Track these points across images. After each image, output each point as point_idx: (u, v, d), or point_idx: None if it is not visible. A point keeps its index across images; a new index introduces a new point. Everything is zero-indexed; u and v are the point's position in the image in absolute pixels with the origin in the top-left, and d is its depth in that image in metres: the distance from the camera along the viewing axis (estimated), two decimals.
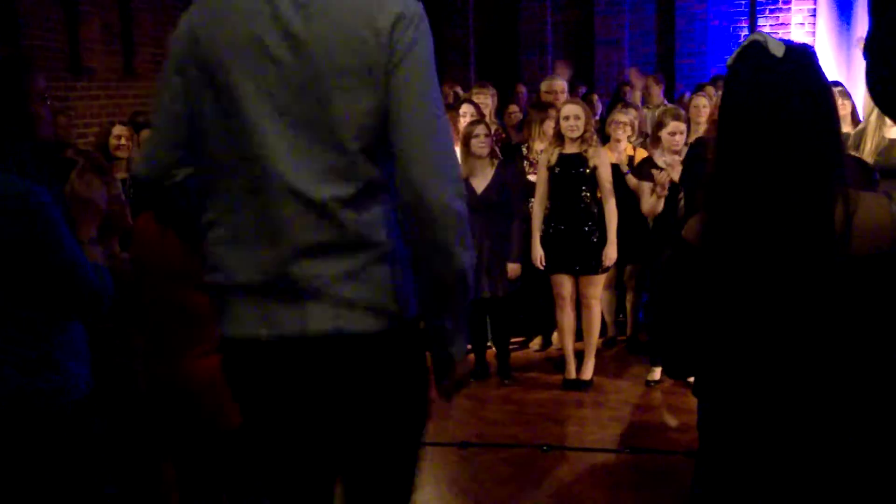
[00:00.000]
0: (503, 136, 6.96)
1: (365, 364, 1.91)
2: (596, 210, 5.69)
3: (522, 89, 8.56)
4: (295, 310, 1.89)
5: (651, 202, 5.66)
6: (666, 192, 5.52)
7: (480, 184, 5.84)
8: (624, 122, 6.41)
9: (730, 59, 1.87)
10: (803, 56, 1.79)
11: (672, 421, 5.28)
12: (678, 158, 5.56)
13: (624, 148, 6.38)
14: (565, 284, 5.85)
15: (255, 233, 1.92)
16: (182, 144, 2.00)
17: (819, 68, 1.79)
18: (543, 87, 7.14)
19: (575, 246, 5.74)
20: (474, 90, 7.24)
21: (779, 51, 1.79)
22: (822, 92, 1.77)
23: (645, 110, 7.78)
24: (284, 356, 1.93)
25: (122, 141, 5.92)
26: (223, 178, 1.94)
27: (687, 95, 7.56)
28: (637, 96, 8.32)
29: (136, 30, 9.36)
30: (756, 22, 10.42)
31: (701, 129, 6.57)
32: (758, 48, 1.83)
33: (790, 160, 1.71)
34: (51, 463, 2.46)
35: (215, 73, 1.90)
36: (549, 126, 6.19)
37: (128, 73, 9.28)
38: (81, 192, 2.64)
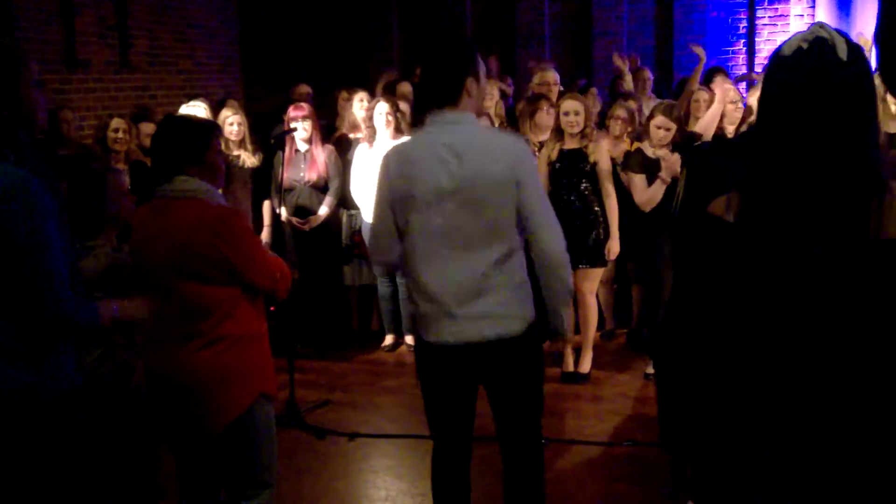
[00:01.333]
0: (506, 127, 6.94)
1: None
2: (597, 205, 5.66)
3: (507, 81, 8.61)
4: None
5: (649, 193, 5.60)
6: (669, 181, 5.47)
7: None
8: (623, 118, 6.39)
9: (787, 49, 1.85)
10: (863, 60, 1.82)
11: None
12: (671, 154, 5.54)
13: (623, 142, 6.35)
14: None
15: None
16: None
17: (871, 68, 1.84)
18: (536, 79, 7.13)
19: (575, 240, 5.71)
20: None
21: (844, 53, 1.80)
22: (872, 92, 1.82)
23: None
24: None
25: (120, 134, 5.90)
26: None
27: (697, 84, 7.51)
28: (629, 81, 8.25)
29: (132, 22, 9.32)
30: (755, 13, 10.39)
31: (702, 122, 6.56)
32: (824, 46, 1.82)
33: (839, 151, 1.77)
34: (37, 454, 2.44)
35: None
36: (540, 118, 6.18)
37: (123, 65, 9.24)
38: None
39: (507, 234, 3.08)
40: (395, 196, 3.12)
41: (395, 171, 3.14)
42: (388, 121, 6.30)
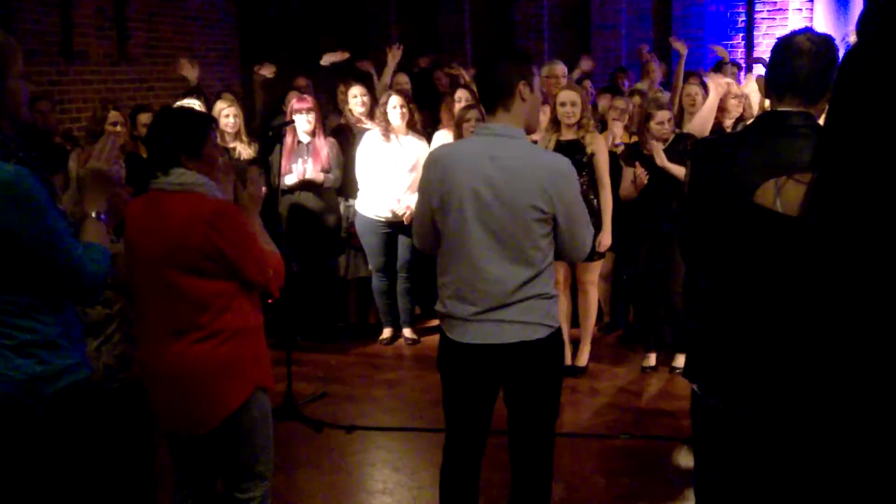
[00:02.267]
0: None
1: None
2: (593, 197, 5.67)
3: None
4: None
5: (629, 189, 5.74)
6: (644, 183, 5.62)
7: None
8: (621, 109, 6.41)
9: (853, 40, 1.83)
10: None
11: (667, 406, 5.28)
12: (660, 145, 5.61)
13: (620, 135, 6.35)
14: (560, 271, 5.84)
15: None
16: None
17: None
18: (544, 71, 7.12)
19: None
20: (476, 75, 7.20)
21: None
22: None
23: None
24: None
25: (119, 128, 5.88)
26: None
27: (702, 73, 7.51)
28: (654, 72, 8.28)
29: (130, 13, 9.29)
30: (753, 7, 10.38)
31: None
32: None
33: None
34: (46, 445, 2.45)
35: None
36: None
37: (121, 57, 9.22)
38: (100, 163, 2.61)
39: (538, 255, 3.15)
40: (433, 199, 3.22)
41: (437, 176, 3.21)
42: (402, 114, 6.31)
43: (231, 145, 6.46)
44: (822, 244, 1.80)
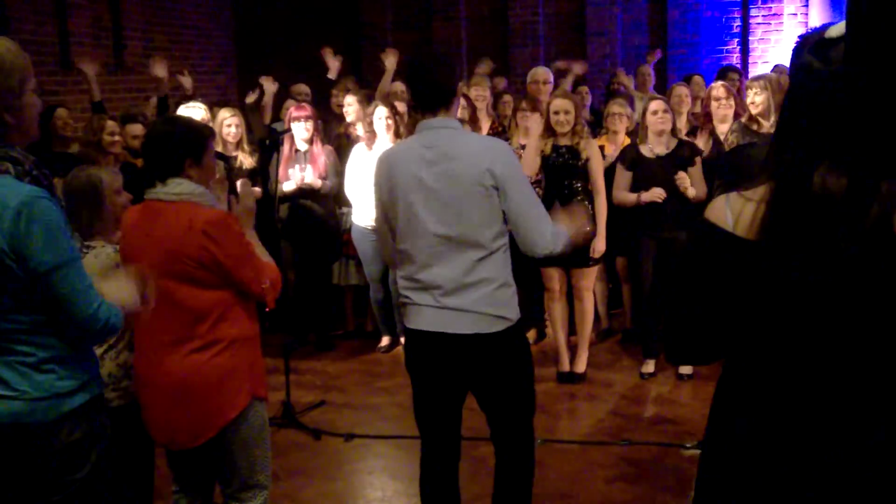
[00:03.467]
0: (499, 128, 6.94)
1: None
2: (588, 202, 5.67)
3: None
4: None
5: (621, 195, 5.81)
6: (644, 202, 5.70)
7: None
8: (621, 114, 6.42)
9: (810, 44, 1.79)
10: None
11: (666, 413, 5.27)
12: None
13: (622, 141, 6.37)
14: (555, 277, 5.85)
15: None
16: None
17: None
18: (528, 77, 7.21)
19: None
20: (472, 82, 7.22)
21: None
22: None
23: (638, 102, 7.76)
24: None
25: (116, 137, 5.87)
26: None
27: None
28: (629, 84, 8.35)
29: (126, 23, 9.30)
30: (749, 12, 10.39)
31: (682, 119, 6.58)
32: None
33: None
34: (66, 461, 2.47)
35: None
36: (521, 120, 6.25)
37: (118, 66, 9.23)
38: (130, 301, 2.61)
39: (486, 233, 3.23)
40: (383, 197, 3.37)
41: (383, 173, 3.37)
42: (387, 125, 6.32)
43: (233, 154, 6.46)
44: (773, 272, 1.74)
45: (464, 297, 3.23)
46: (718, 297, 1.83)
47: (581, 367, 5.93)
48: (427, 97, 3.32)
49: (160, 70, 7.28)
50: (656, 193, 5.65)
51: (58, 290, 2.33)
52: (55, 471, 2.45)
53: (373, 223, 6.35)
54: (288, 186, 6.37)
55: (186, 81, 7.38)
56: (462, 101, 6.55)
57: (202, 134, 3.12)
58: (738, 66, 10.05)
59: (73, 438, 2.46)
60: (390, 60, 7.69)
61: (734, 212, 1.80)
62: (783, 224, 1.72)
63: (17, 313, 2.36)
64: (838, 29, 1.70)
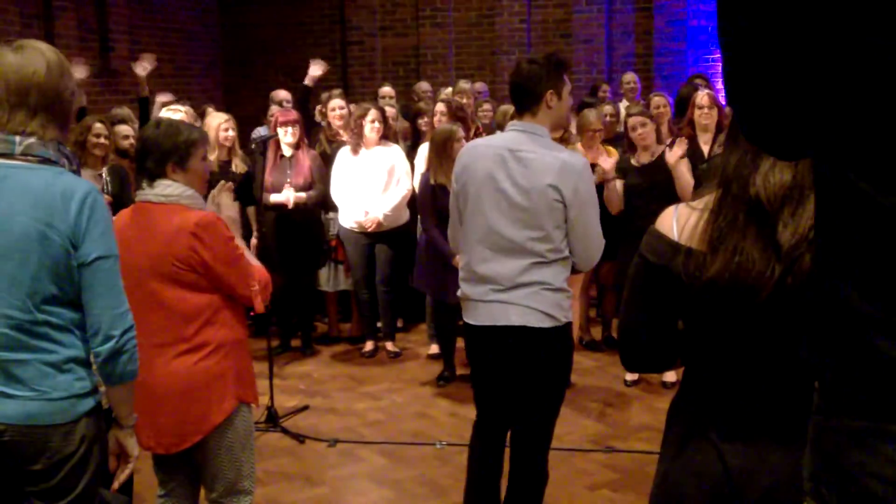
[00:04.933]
0: (483, 134, 6.96)
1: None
2: None
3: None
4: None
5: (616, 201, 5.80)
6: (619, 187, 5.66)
7: None
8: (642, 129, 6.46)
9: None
10: None
11: (649, 420, 5.28)
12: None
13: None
14: None
15: None
16: None
17: None
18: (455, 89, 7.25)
19: None
20: (457, 89, 7.24)
21: None
22: None
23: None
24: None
25: (102, 139, 5.83)
26: None
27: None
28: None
29: (113, 25, 9.27)
30: None
31: (663, 128, 6.61)
32: None
33: None
34: (79, 465, 2.48)
35: None
36: (607, 162, 6.23)
37: (104, 69, 9.19)
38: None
39: (547, 242, 3.37)
40: (457, 185, 3.54)
41: (463, 163, 3.54)
42: (378, 129, 6.32)
43: (226, 159, 6.41)
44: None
45: (515, 293, 3.37)
46: (664, 305, 1.85)
47: None
48: (515, 99, 3.48)
49: (140, 68, 7.21)
50: (609, 162, 5.65)
51: (98, 279, 2.40)
52: (66, 474, 2.45)
53: (356, 224, 6.40)
54: (274, 198, 6.34)
55: (141, 68, 7.28)
56: (442, 108, 6.57)
57: (188, 138, 3.11)
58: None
59: (86, 441, 2.47)
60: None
61: (680, 221, 1.84)
62: (724, 230, 1.74)
63: (57, 305, 2.40)
64: None
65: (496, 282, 3.40)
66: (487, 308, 3.44)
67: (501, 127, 5.90)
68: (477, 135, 6.89)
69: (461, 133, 5.76)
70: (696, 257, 1.77)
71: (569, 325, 3.49)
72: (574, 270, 3.54)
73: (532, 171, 3.33)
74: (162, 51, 10.28)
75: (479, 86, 8.56)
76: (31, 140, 2.36)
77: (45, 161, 2.38)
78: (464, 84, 7.55)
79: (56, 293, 2.39)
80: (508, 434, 3.69)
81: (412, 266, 6.44)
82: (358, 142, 6.36)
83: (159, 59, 10.15)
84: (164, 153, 3.04)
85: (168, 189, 3.03)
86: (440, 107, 6.62)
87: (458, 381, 6.04)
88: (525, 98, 3.40)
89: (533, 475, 3.60)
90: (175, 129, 3.13)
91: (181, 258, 2.97)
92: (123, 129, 6.19)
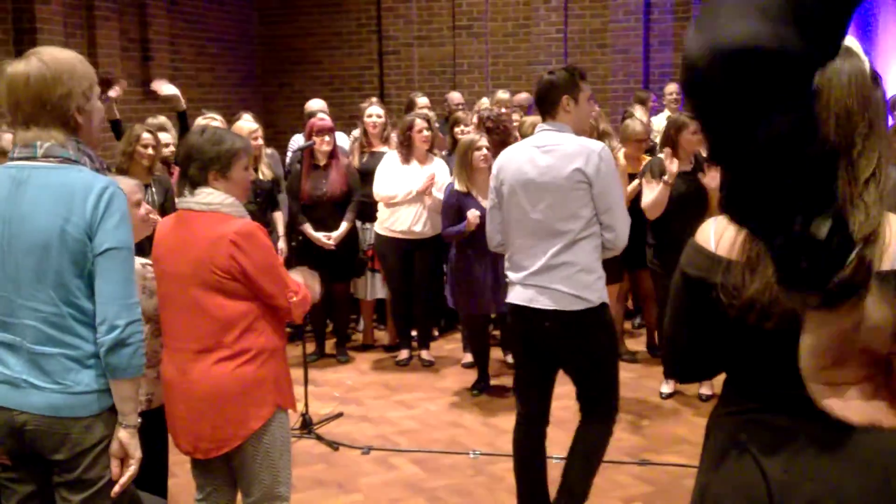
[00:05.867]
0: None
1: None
2: None
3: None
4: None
5: (652, 197, 5.60)
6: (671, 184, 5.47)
7: (488, 204, 5.77)
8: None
9: None
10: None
11: (685, 433, 5.24)
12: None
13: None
14: None
15: None
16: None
17: None
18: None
19: None
20: (495, 99, 7.25)
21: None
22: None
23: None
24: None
25: (150, 150, 5.87)
26: None
27: None
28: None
29: (153, 35, 9.39)
30: None
31: None
32: None
33: None
34: (95, 461, 2.55)
35: None
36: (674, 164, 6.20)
37: (144, 78, 9.32)
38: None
39: (575, 223, 3.69)
40: (496, 182, 3.91)
41: (500, 165, 3.94)
42: (426, 138, 6.38)
43: (253, 166, 6.46)
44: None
45: (548, 277, 3.70)
46: (705, 319, 1.84)
47: None
48: (538, 107, 3.92)
49: (167, 88, 7.26)
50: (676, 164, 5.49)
51: (108, 269, 2.47)
52: (87, 466, 2.52)
53: (396, 232, 6.41)
54: (316, 236, 6.41)
55: (168, 91, 7.35)
56: (475, 120, 6.60)
57: (231, 147, 3.14)
58: None
59: (105, 436, 2.53)
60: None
61: (717, 233, 1.83)
62: (762, 251, 1.71)
63: (81, 299, 2.48)
64: None
65: (531, 267, 3.74)
66: (524, 290, 3.77)
67: (527, 136, 5.96)
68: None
69: (482, 142, 5.79)
70: (735, 273, 1.76)
71: (603, 305, 3.75)
72: (605, 249, 3.78)
73: (557, 159, 3.71)
74: (201, 61, 10.42)
75: (524, 97, 8.54)
76: (50, 143, 2.48)
77: (66, 161, 2.49)
78: (502, 94, 7.56)
79: (80, 287, 2.48)
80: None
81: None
82: (410, 152, 6.38)
83: (198, 68, 10.32)
84: (207, 161, 3.08)
85: (209, 197, 3.07)
86: (472, 119, 6.70)
87: (492, 390, 6.04)
88: (545, 105, 3.82)
89: (594, 434, 3.92)
90: (219, 137, 3.16)
91: (221, 266, 3.00)
92: (164, 137, 6.24)
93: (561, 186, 3.68)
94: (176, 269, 3.08)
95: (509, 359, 6.26)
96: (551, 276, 3.69)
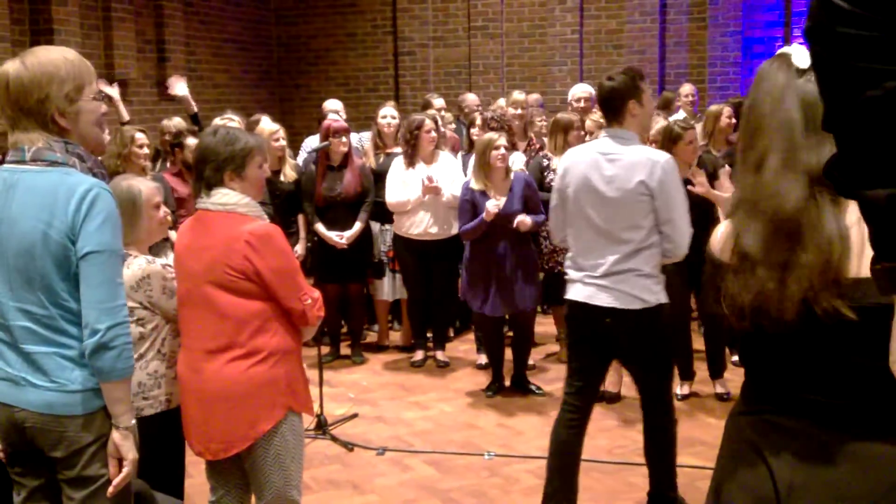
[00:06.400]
0: (537, 146, 6.96)
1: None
2: None
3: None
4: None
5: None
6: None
7: (503, 202, 5.77)
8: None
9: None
10: None
11: (700, 434, 5.22)
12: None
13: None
14: None
15: None
16: None
17: None
18: (570, 95, 7.20)
19: None
20: (510, 100, 7.24)
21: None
22: None
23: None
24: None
25: (145, 149, 5.89)
26: None
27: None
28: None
29: (169, 36, 9.42)
30: (791, 32, 10.32)
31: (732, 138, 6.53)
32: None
33: None
34: (92, 458, 2.56)
35: None
36: (573, 137, 6.19)
37: (160, 78, 9.35)
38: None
39: (638, 232, 3.80)
40: (560, 184, 4.01)
41: (564, 167, 4.03)
42: (432, 139, 6.37)
43: (277, 168, 6.44)
44: None
45: (609, 279, 3.83)
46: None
47: (614, 386, 5.88)
48: (603, 112, 3.98)
49: (181, 88, 7.28)
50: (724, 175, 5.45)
51: (90, 273, 2.46)
52: (85, 464, 2.53)
53: (412, 234, 6.40)
54: (322, 229, 6.41)
55: (181, 90, 7.35)
56: (479, 121, 6.61)
57: (245, 146, 3.14)
58: None
59: (101, 434, 2.54)
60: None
61: (723, 237, 1.89)
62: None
63: (69, 300, 2.49)
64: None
65: (593, 270, 3.87)
66: (584, 288, 3.91)
67: (592, 133, 6.17)
68: (530, 146, 6.90)
69: (501, 141, 5.80)
70: (727, 278, 1.82)
71: (661, 306, 3.85)
72: (664, 256, 3.88)
73: (621, 170, 3.78)
74: (217, 61, 10.45)
75: (534, 98, 8.53)
76: (38, 146, 2.48)
77: (54, 164, 2.48)
78: (517, 95, 7.55)
79: (66, 289, 2.48)
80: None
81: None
82: (415, 153, 6.38)
83: (214, 69, 10.34)
84: (222, 161, 3.08)
85: (224, 198, 3.07)
86: (477, 120, 6.71)
87: (506, 391, 6.03)
88: (610, 111, 3.88)
89: (660, 428, 4.11)
90: (233, 136, 3.16)
91: (235, 266, 3.00)
92: (193, 142, 6.18)
93: (624, 197, 3.78)
94: (192, 268, 3.09)
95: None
96: (613, 280, 3.82)
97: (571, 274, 4.01)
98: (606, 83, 3.86)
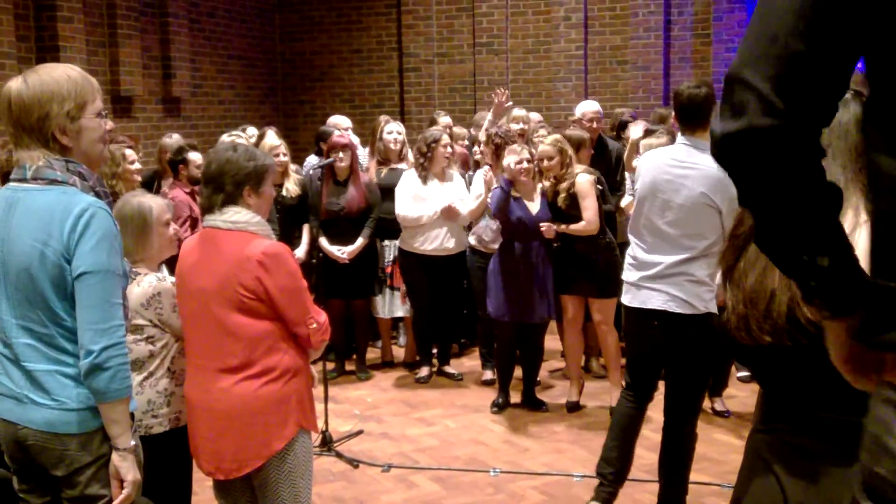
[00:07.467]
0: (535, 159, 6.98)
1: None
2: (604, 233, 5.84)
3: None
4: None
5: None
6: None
7: (534, 208, 5.82)
8: None
9: None
10: None
11: (706, 451, 5.19)
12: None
13: None
14: (567, 308, 5.93)
15: None
16: None
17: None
18: (580, 112, 7.16)
19: (586, 269, 5.77)
20: (511, 116, 7.24)
21: None
22: None
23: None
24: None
25: (137, 165, 5.87)
26: None
27: None
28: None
29: (174, 52, 9.46)
30: None
31: None
32: None
33: None
34: (93, 476, 2.55)
35: None
36: (584, 156, 6.19)
37: (165, 95, 9.38)
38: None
39: (700, 241, 3.90)
40: (638, 182, 4.19)
41: (642, 169, 4.18)
42: (447, 154, 6.38)
43: (279, 182, 6.45)
44: None
45: (663, 282, 3.96)
46: None
47: (613, 401, 5.85)
48: (682, 119, 4.02)
49: None
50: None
51: (84, 294, 2.45)
52: (86, 483, 2.53)
53: (419, 250, 6.38)
54: (326, 244, 6.43)
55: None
56: (446, 139, 6.56)
57: (263, 163, 3.14)
58: None
59: (103, 453, 2.54)
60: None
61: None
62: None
63: (70, 319, 2.49)
64: None
65: (650, 270, 3.99)
66: (638, 292, 4.07)
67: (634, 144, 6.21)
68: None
69: (524, 154, 5.77)
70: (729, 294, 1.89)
71: (709, 314, 3.88)
72: None
73: (690, 179, 3.89)
74: (222, 78, 10.49)
75: (536, 117, 8.56)
76: (39, 164, 2.49)
77: (54, 182, 2.48)
78: (518, 111, 7.58)
79: (65, 308, 2.49)
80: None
81: (471, 292, 6.48)
82: (430, 167, 6.37)
83: (219, 85, 10.38)
84: (244, 176, 3.07)
85: (236, 216, 3.06)
86: (481, 136, 6.72)
87: (512, 407, 6.01)
88: (690, 120, 3.94)
89: (680, 438, 4.15)
90: (252, 153, 3.17)
91: (247, 286, 2.99)
92: (195, 157, 6.19)
93: (689, 206, 3.89)
94: (200, 287, 3.07)
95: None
96: (665, 282, 3.95)
97: (626, 276, 4.15)
98: (692, 91, 3.92)
